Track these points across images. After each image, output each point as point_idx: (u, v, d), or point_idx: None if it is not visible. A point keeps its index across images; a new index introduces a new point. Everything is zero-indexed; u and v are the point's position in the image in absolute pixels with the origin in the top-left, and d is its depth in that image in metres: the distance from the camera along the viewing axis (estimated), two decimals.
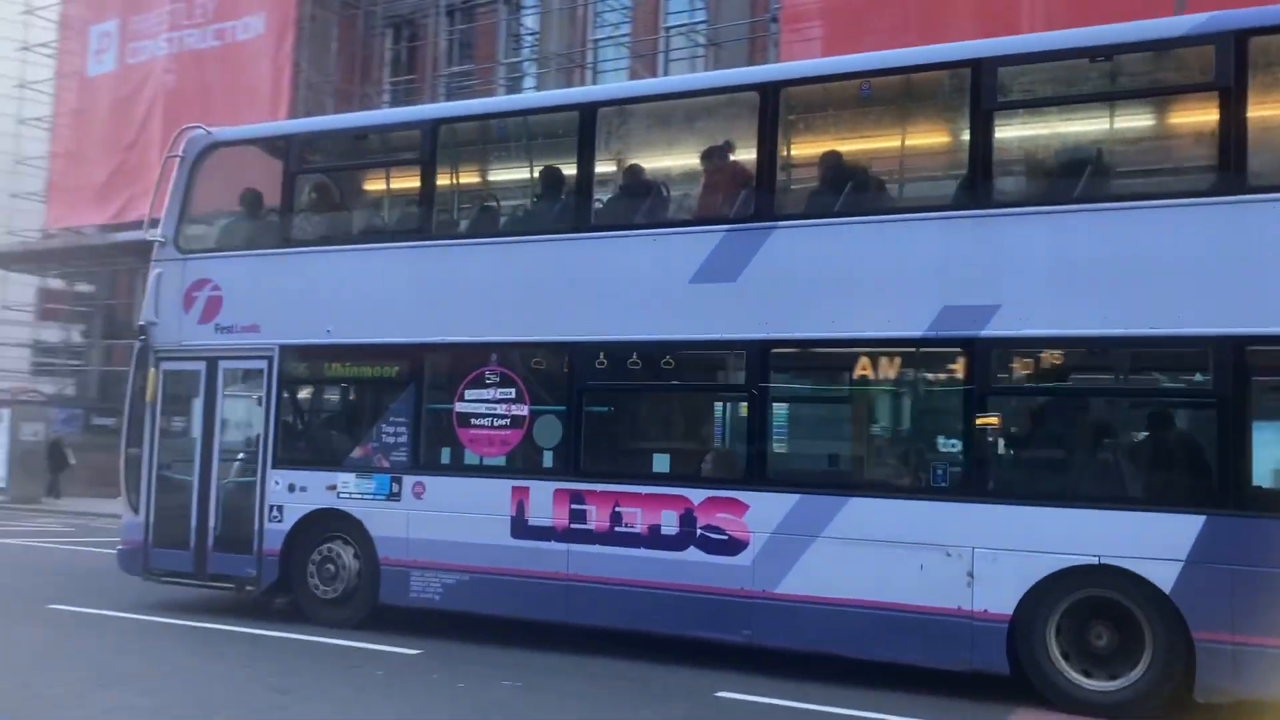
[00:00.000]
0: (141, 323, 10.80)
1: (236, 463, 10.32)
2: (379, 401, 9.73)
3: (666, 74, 19.83)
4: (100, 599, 10.62)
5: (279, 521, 9.82)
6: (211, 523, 10.20)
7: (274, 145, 10.72)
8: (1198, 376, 7.33)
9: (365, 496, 9.51)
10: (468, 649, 8.69)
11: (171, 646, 8.72)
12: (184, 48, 23.06)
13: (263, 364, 10.06)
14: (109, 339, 27.04)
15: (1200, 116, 7.24)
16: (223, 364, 10.32)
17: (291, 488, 9.82)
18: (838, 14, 16.07)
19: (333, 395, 10.36)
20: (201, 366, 10.39)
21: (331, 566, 9.63)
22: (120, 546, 10.80)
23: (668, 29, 21.03)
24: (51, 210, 26.51)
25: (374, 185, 10.88)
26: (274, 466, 9.91)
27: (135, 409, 10.77)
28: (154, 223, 10.89)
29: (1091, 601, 7.19)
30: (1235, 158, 6.95)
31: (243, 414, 10.37)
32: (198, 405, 10.46)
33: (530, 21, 22.85)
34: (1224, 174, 6.99)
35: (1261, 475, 6.89)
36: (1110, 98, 7.78)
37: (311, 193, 10.39)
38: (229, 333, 10.26)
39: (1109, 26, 7.40)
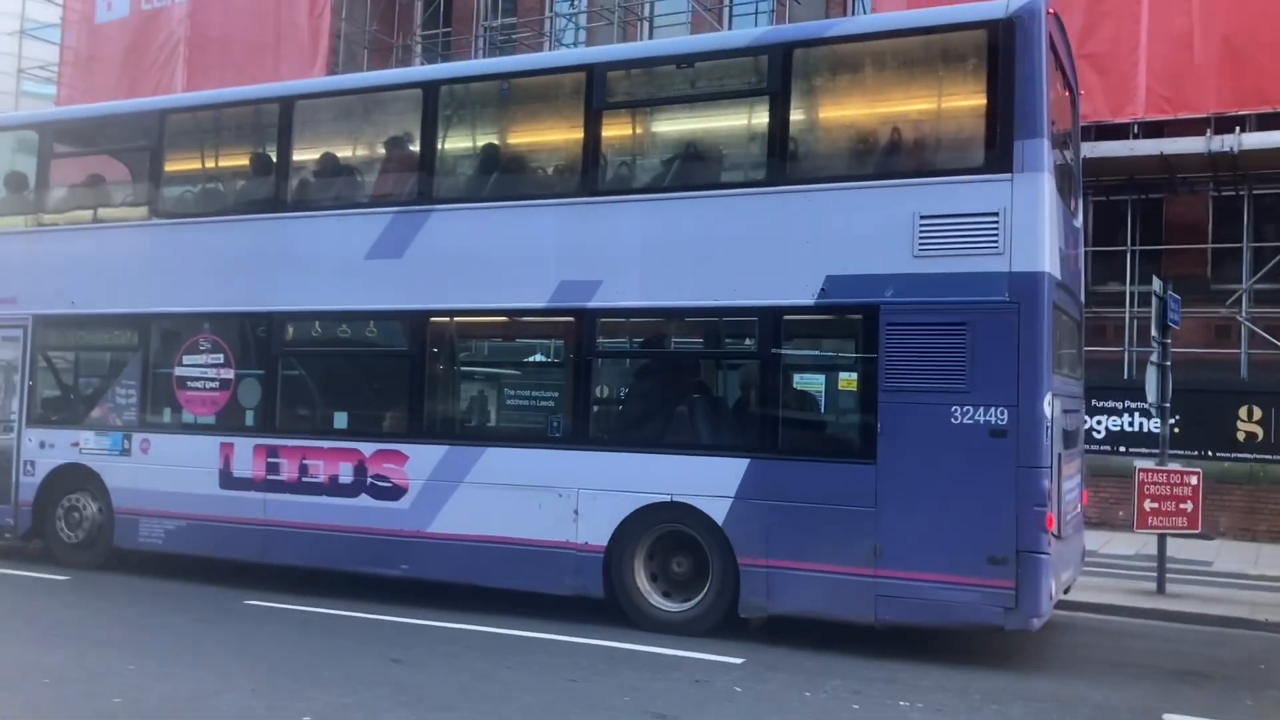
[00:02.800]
0: None
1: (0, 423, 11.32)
2: (114, 366, 10.79)
3: (731, 28, 18.08)
4: None
5: (31, 475, 10.88)
6: None
7: (31, 131, 11.62)
8: (747, 341, 8.49)
9: (102, 452, 10.57)
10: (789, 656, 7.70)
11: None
12: None
13: (19, 332, 11.05)
14: None
15: (758, 117, 8.34)
16: None
17: (42, 445, 10.87)
18: None
19: (77, 361, 11.33)
20: None
21: (76, 515, 10.69)
22: None
23: None
24: None
25: (112, 168, 11.81)
26: (28, 425, 10.96)
27: None
28: None
29: (673, 534, 8.37)
30: (779, 153, 8.10)
31: (4, 378, 11.34)
32: None
33: None
34: (770, 168, 8.14)
35: (790, 424, 8.09)
36: (692, 100, 8.90)
37: (60, 175, 11.33)
38: None
39: (693, 37, 8.49)
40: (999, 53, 7.52)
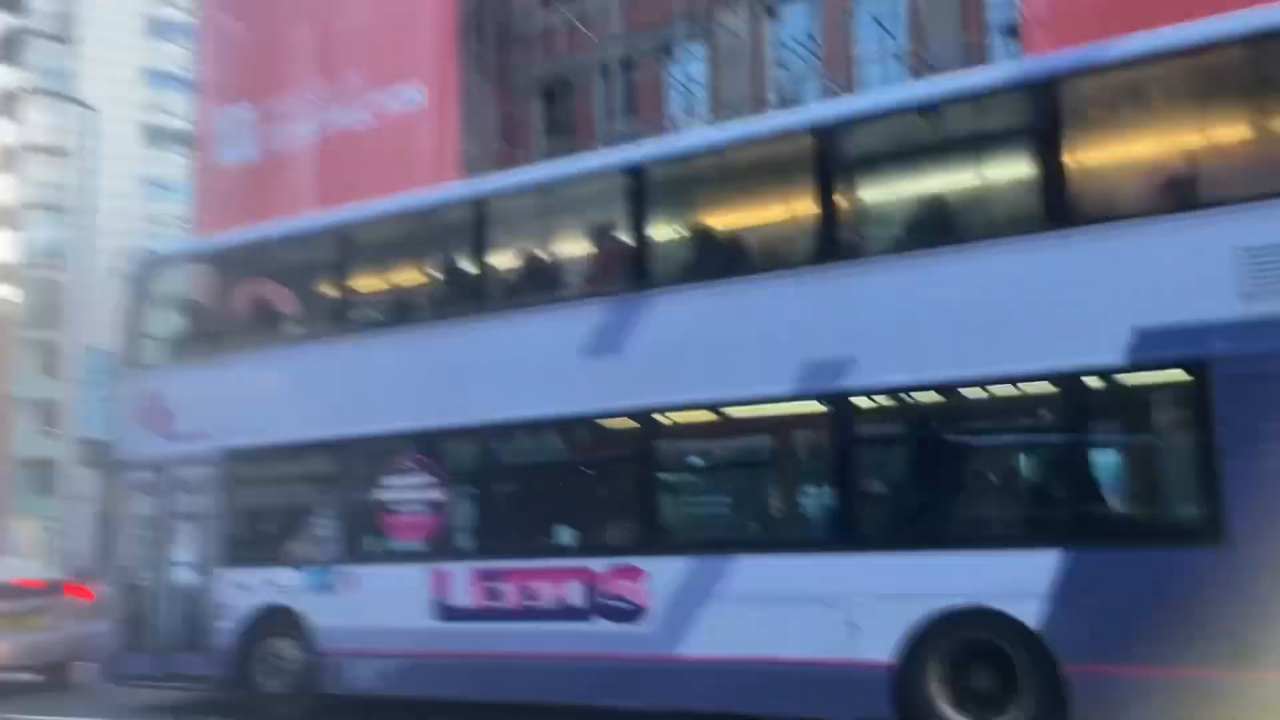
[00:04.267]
0: (103, 437, 11.41)
1: (191, 565, 10.72)
2: (311, 497, 10.12)
3: None
4: None
5: (229, 620, 10.19)
6: (171, 625, 10.62)
7: (207, 259, 11.32)
8: (1041, 412, 7.41)
9: (303, 590, 9.85)
10: None
11: None
12: (331, 126, 21.63)
13: (208, 469, 10.52)
14: None
15: (1024, 160, 7.40)
16: (174, 471, 10.80)
17: (238, 586, 10.20)
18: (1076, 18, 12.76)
19: (271, 494, 10.72)
20: (156, 475, 10.89)
21: (278, 660, 9.94)
22: (103, 655, 11.27)
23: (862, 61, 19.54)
24: None
25: (294, 290, 11.38)
26: (222, 566, 10.33)
27: (105, 521, 11.32)
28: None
29: (970, 643, 7.22)
30: (1058, 197, 7.12)
31: (194, 518, 10.80)
32: (155, 512, 10.94)
33: (697, 70, 21.38)
34: (1049, 213, 7.15)
35: (1109, 506, 6.93)
36: (941, 149, 8.01)
37: (241, 301, 10.93)
38: (179, 440, 10.75)
39: (933, 81, 7.65)
40: None
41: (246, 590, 10.16)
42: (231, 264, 11.03)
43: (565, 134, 22.75)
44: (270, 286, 11.28)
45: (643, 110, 22.24)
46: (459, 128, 20.82)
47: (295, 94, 22.35)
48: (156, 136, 28.79)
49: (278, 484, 10.65)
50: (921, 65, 18.27)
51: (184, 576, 10.72)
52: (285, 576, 9.96)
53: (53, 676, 13.52)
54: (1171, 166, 7.17)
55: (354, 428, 9.72)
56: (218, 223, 23.09)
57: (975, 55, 18.12)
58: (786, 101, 19.79)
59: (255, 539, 10.53)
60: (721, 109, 20.59)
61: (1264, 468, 6.36)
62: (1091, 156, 7.27)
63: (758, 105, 20.12)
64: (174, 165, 27.21)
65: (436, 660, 9.06)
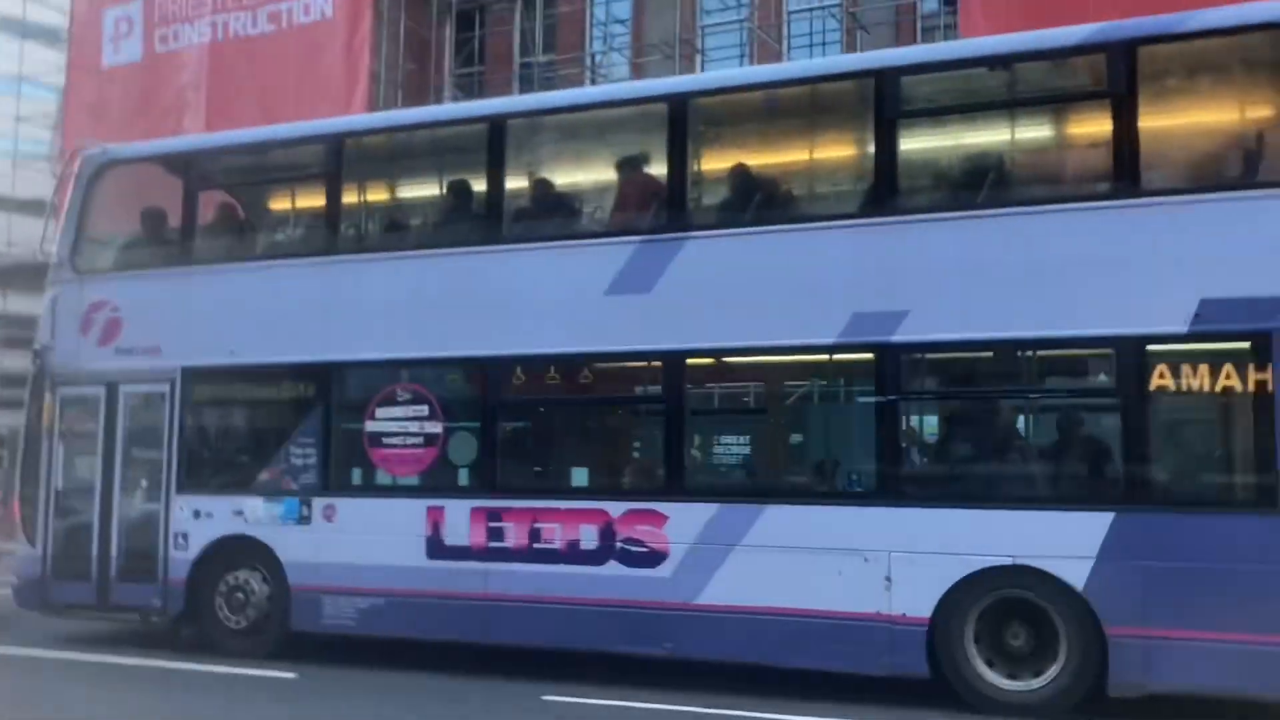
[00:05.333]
0: (36, 347, 10.43)
1: (139, 489, 9.93)
2: (286, 423, 9.43)
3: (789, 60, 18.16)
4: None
5: (184, 549, 9.49)
6: (114, 552, 9.84)
7: (173, 162, 10.40)
8: (1101, 376, 7.47)
9: (274, 521, 9.23)
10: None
11: None
12: (228, 34, 20.14)
13: (164, 387, 9.73)
14: None
15: (1096, 124, 7.39)
16: (123, 388, 9.96)
17: (196, 514, 9.50)
18: None
19: (238, 418, 10.02)
20: (101, 391, 10.02)
21: (241, 595, 9.31)
22: (15, 582, 10.36)
23: (791, 12, 19.19)
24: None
25: (278, 201, 10.60)
26: (178, 492, 9.59)
27: (31, 437, 10.37)
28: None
29: (1008, 602, 7.25)
30: (1129, 163, 7.13)
31: (145, 439, 9.99)
32: (98, 431, 10.08)
33: (620, 9, 20.90)
34: (1119, 179, 7.16)
35: (1165, 471, 7.05)
36: (1009, 106, 7.94)
37: (212, 210, 10.10)
38: (129, 355, 9.91)
39: (1007, 36, 7.55)
40: None
41: (206, 518, 9.47)
42: (196, 168, 10.13)
43: (479, 62, 22.15)
44: (239, 195, 10.44)
45: (561, 46, 21.77)
46: (369, 45, 19.73)
47: None
48: (17, 29, 26.35)
49: (245, 407, 9.95)
50: (854, 24, 18.38)
51: (130, 501, 9.94)
52: (252, 505, 9.32)
53: None
54: (1248, 140, 7.24)
55: (342, 353, 9.12)
56: (90, 125, 21.54)
57: (907, 20, 18.36)
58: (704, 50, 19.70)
59: (216, 464, 9.84)
60: (644, 51, 20.31)
61: None
62: (1166, 125, 7.31)
63: (684, 49, 19.88)
64: (38, 62, 24.85)
65: (428, 600, 8.62)
